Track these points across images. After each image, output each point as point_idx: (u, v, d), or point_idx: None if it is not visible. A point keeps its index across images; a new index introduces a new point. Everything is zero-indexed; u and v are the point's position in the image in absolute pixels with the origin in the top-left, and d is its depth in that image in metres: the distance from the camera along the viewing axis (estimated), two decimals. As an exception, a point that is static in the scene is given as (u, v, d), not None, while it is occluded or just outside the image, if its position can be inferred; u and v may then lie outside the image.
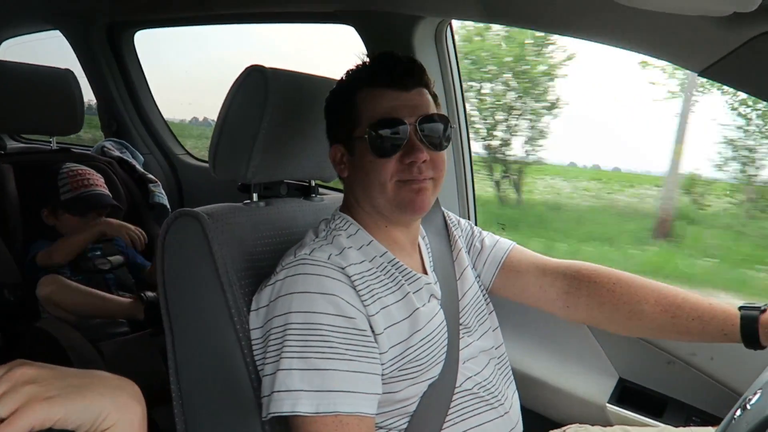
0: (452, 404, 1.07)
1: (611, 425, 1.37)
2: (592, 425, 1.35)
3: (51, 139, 2.32)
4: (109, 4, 2.38)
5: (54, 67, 2.20)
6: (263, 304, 1.01)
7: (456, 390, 1.09)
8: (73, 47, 2.79)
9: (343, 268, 1.00)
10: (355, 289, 0.99)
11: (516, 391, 1.24)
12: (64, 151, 2.31)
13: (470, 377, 1.12)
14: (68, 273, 1.96)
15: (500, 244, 1.33)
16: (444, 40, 1.79)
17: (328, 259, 1.00)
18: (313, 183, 1.39)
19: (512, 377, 1.25)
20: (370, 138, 1.05)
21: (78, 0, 2.40)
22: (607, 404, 1.54)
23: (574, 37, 1.38)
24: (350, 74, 1.13)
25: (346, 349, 0.94)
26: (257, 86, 1.15)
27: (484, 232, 1.37)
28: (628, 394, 1.56)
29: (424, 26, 1.72)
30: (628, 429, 1.35)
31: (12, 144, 3.09)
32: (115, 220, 2.06)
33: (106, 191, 2.09)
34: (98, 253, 2.07)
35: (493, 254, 1.32)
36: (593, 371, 1.61)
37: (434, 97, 1.13)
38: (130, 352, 1.79)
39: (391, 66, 1.07)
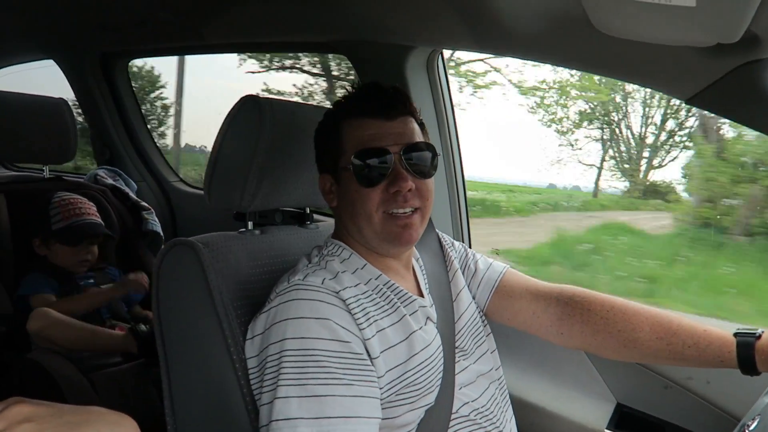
0: (449, 430, 1.06)
1: (610, 451, 1.37)
2: (591, 451, 1.34)
3: (43, 167, 2.32)
4: (102, 34, 2.41)
5: (48, 96, 2.21)
6: (258, 332, 1.01)
7: (453, 416, 1.08)
8: (66, 76, 2.81)
9: (337, 292, 0.99)
10: (350, 312, 0.99)
11: (513, 417, 1.23)
12: (57, 180, 2.30)
13: (467, 403, 1.11)
14: (61, 302, 1.93)
15: (494, 267, 1.34)
16: (436, 68, 1.82)
17: (322, 283, 1.00)
18: (307, 210, 1.39)
19: (510, 402, 1.25)
20: (354, 167, 1.05)
21: (72, 30, 2.42)
22: (606, 430, 1.53)
23: (563, 66, 1.41)
24: (336, 104, 1.14)
25: (344, 374, 0.93)
26: (251, 116, 1.16)
27: (478, 255, 1.37)
28: (627, 420, 1.56)
29: (416, 55, 1.75)
30: (627, 455, 1.34)
31: (3, 172, 3.09)
32: (111, 286, 2.03)
33: (99, 220, 2.08)
34: (91, 281, 2.05)
35: (487, 277, 1.32)
36: (591, 396, 1.60)
37: (421, 125, 1.14)
38: (123, 384, 1.77)
39: (375, 95, 1.08)
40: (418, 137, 1.10)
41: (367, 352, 0.98)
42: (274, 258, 1.21)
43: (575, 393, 1.62)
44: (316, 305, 0.97)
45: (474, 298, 1.31)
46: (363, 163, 1.05)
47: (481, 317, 1.28)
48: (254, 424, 1.00)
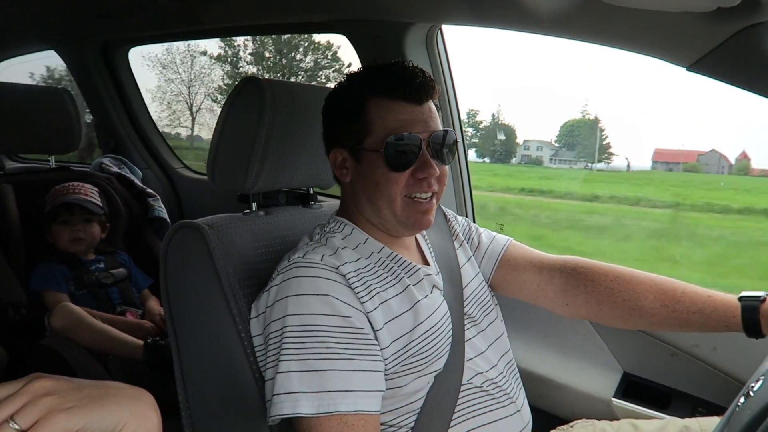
0: (460, 400, 1.08)
1: (617, 419, 1.38)
2: (599, 420, 1.36)
3: (50, 158, 2.34)
4: (103, 23, 2.40)
5: (51, 87, 2.22)
6: (261, 311, 1.03)
7: (464, 386, 1.09)
8: (68, 66, 2.82)
9: (336, 268, 1.01)
10: (350, 287, 1.00)
11: (522, 388, 1.24)
12: (64, 170, 2.32)
13: (480, 373, 1.12)
14: (72, 288, 1.96)
15: (497, 240, 1.34)
16: (435, 44, 1.81)
17: (321, 260, 1.01)
18: (311, 191, 1.40)
19: (518, 373, 1.26)
20: (386, 152, 1.05)
21: (73, 20, 2.42)
22: (613, 399, 1.55)
23: (563, 37, 1.39)
24: (359, 80, 1.11)
25: (344, 349, 0.94)
26: (253, 97, 1.17)
27: (481, 229, 1.38)
28: (633, 388, 1.57)
29: (415, 32, 1.74)
30: (635, 423, 1.35)
31: (10, 164, 3.11)
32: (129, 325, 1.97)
33: (90, 198, 2.09)
34: (101, 266, 2.08)
35: (491, 250, 1.32)
36: (597, 366, 1.62)
37: (437, 107, 1.14)
38: (137, 368, 1.80)
39: (408, 79, 1.07)
40: (440, 123, 1.11)
41: (371, 325, 0.99)
42: (278, 238, 1.23)
43: (582, 363, 1.63)
44: (316, 281, 0.98)
45: (479, 270, 1.31)
46: (395, 148, 1.05)
47: (487, 288, 1.29)
48: (264, 399, 1.02)
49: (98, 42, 2.67)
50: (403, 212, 1.08)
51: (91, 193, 2.12)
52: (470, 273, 1.26)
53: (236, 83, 1.22)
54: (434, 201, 1.10)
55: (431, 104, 1.10)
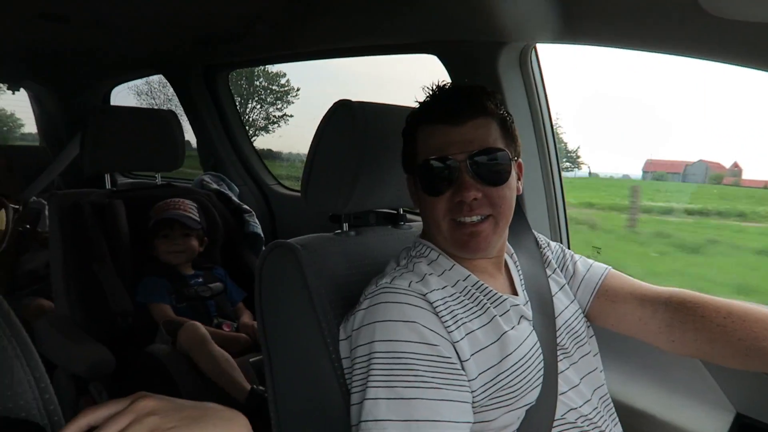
0: None
1: (728, 465, 1.26)
2: (707, 464, 1.25)
3: (156, 175, 2.51)
4: (204, 49, 2.56)
5: (158, 109, 2.38)
6: (349, 333, 1.04)
7: (557, 421, 1.04)
8: (174, 89, 3.02)
9: (424, 295, 0.99)
10: (437, 315, 0.98)
11: (618, 423, 1.17)
12: (168, 186, 2.48)
13: (573, 408, 1.06)
14: (174, 302, 2.09)
15: (594, 268, 1.27)
16: (529, 63, 1.77)
17: (409, 286, 1.00)
18: (401, 211, 1.41)
19: (614, 408, 1.19)
20: (420, 177, 1.07)
21: (178, 47, 2.59)
22: None
23: (669, 53, 1.32)
24: (416, 109, 1.13)
25: (432, 377, 0.92)
26: (345, 120, 1.19)
27: (576, 255, 1.31)
28: (748, 431, 1.44)
29: (508, 51, 1.71)
30: (749, 470, 1.24)
31: (122, 180, 3.37)
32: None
33: (188, 214, 2.20)
34: (200, 280, 2.20)
35: (587, 280, 1.26)
36: (706, 404, 1.49)
37: (503, 122, 1.09)
38: (233, 406, 1.82)
39: (442, 100, 1.07)
40: (492, 142, 1.06)
41: (457, 355, 0.97)
42: (368, 259, 1.23)
43: (688, 401, 1.51)
44: (404, 308, 0.97)
45: (574, 298, 1.25)
46: (426, 173, 1.06)
47: (582, 318, 1.23)
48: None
49: (200, 67, 2.85)
50: (451, 235, 1.06)
51: (190, 209, 2.24)
52: (563, 302, 1.20)
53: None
54: (488, 223, 1.05)
55: (479, 122, 1.05)
